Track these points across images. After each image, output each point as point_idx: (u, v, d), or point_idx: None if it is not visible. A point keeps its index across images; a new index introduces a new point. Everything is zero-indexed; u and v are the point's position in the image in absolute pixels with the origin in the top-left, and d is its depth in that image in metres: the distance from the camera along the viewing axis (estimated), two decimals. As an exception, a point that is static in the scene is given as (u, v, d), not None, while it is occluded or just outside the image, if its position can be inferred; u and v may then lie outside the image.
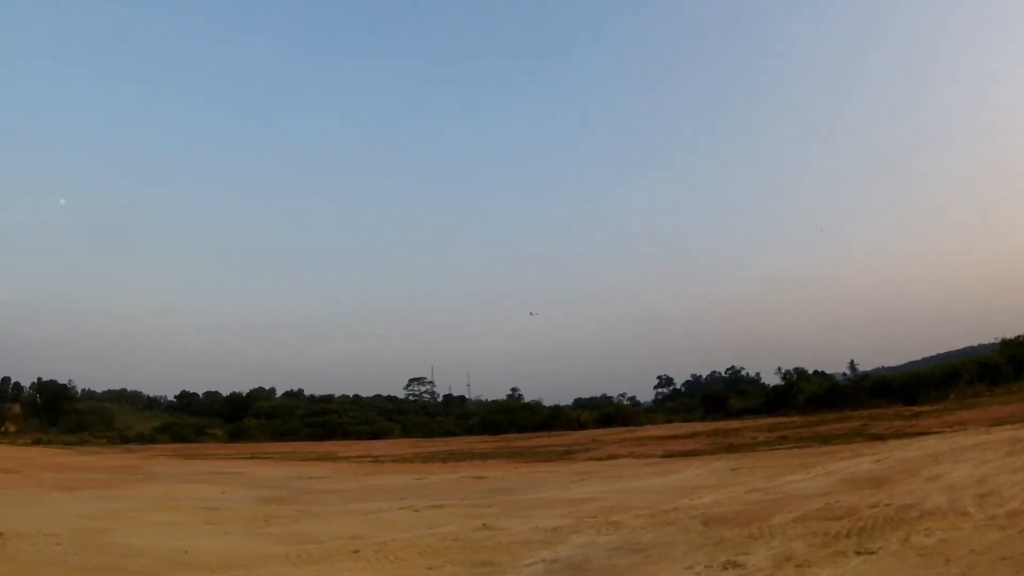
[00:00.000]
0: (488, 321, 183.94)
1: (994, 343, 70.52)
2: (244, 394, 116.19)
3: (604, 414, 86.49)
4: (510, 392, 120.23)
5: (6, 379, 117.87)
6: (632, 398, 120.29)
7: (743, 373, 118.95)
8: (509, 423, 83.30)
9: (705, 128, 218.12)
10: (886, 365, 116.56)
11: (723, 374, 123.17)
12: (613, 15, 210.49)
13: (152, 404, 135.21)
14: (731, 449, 32.80)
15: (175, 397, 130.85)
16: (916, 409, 47.42)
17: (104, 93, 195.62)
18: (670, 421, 78.03)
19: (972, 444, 23.53)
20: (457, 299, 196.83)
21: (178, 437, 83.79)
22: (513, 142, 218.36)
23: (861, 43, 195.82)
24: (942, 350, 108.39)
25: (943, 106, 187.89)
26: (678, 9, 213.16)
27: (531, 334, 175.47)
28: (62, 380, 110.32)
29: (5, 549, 12.09)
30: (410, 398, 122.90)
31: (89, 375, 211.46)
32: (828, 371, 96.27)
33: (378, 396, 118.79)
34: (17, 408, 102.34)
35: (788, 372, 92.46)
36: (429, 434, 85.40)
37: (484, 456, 41.15)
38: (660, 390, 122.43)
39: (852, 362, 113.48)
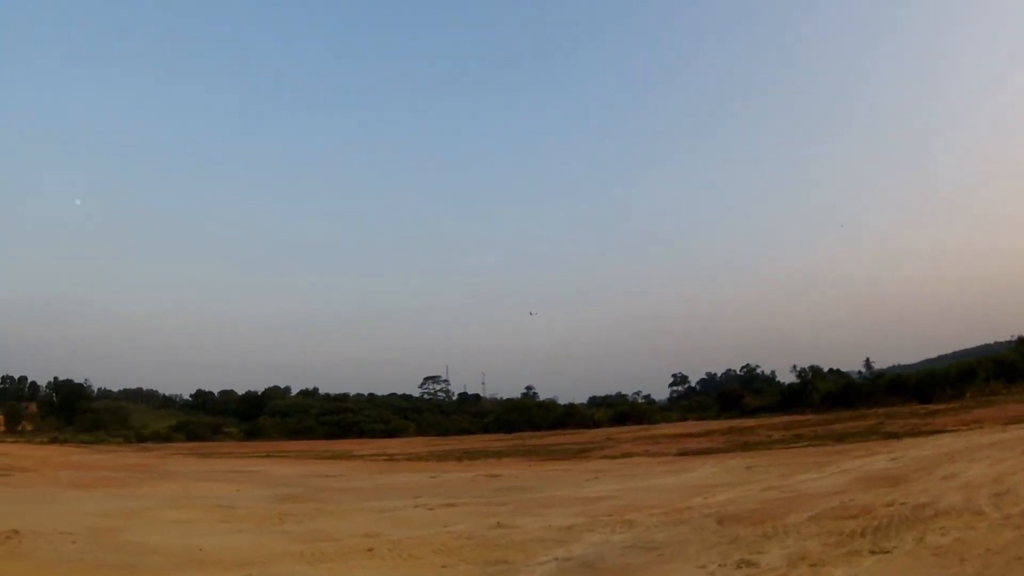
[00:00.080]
0: (502, 320, 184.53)
1: (1010, 341, 69.99)
2: (259, 393, 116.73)
3: (619, 412, 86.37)
4: (525, 390, 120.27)
5: (23, 378, 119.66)
6: (647, 396, 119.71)
7: (758, 371, 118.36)
8: (524, 421, 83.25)
9: (707, 127, 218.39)
10: (902, 363, 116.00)
11: (738, 372, 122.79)
12: (613, 15, 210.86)
13: (168, 403, 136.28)
14: (746, 447, 32.70)
15: (191, 396, 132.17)
16: (931, 407, 47.09)
17: (127, 95, 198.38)
18: (685, 419, 77.77)
19: (988, 442, 23.36)
20: (471, 298, 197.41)
21: (193, 436, 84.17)
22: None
23: (868, 40, 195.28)
24: (958, 348, 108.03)
25: (957, 101, 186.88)
26: (678, 9, 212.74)
27: (545, 333, 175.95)
28: (78, 379, 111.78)
29: (21, 547, 12.19)
30: (425, 397, 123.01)
31: (105, 374, 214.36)
32: (843, 369, 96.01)
33: (393, 395, 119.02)
34: (34, 407, 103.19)
35: (803, 370, 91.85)
36: (444, 432, 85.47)
37: (499, 454, 41.22)
38: (675, 388, 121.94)
39: (868, 360, 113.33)
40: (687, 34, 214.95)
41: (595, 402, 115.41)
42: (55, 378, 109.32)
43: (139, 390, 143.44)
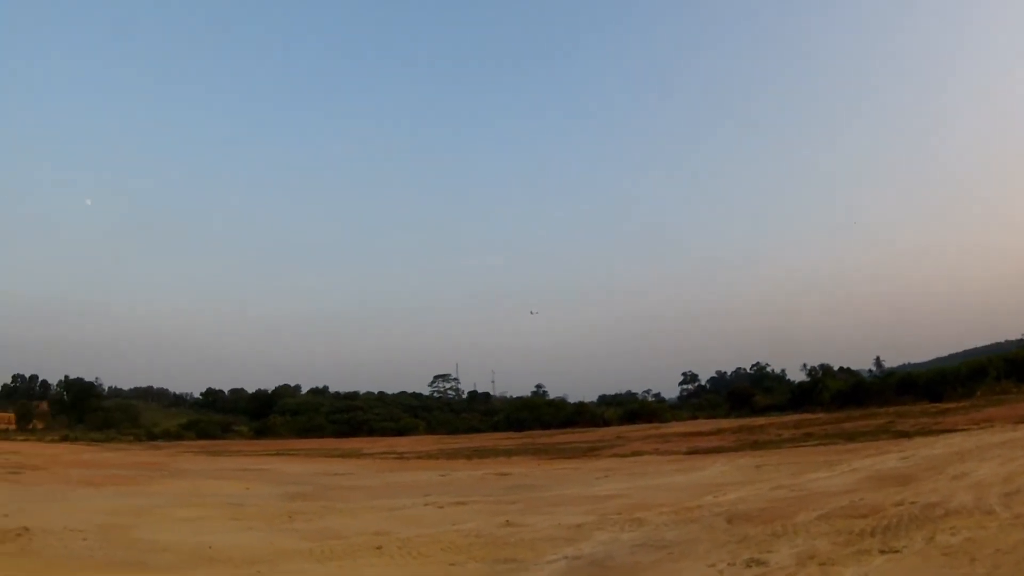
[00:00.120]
0: (505, 319, 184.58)
1: (1021, 339, 69.77)
2: (269, 391, 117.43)
3: (629, 411, 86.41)
4: (535, 389, 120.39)
5: (34, 377, 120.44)
6: (657, 395, 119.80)
7: (768, 370, 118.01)
8: (534, 420, 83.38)
9: (707, 127, 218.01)
10: (912, 361, 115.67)
11: (748, 371, 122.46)
12: (613, 15, 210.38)
13: (178, 401, 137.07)
14: (756, 446, 32.61)
15: (201, 394, 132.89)
16: (942, 406, 46.84)
17: (127, 94, 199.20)
18: (695, 418, 77.78)
19: (999, 441, 23.22)
20: (472, 298, 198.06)
21: (204, 434, 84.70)
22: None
23: (868, 39, 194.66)
24: (969, 346, 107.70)
25: (966, 100, 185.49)
26: (678, 9, 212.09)
27: (549, 332, 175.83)
28: (89, 378, 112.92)
29: (32, 544, 12.26)
30: (435, 395, 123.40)
31: (116, 373, 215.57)
32: (854, 368, 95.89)
33: (403, 393, 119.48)
34: (45, 406, 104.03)
35: (813, 369, 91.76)
36: (454, 431, 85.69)
37: (508, 453, 41.24)
38: (685, 387, 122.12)
39: (878, 359, 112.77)
40: (687, 34, 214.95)
41: (605, 400, 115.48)
42: (66, 377, 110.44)
43: (149, 389, 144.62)
